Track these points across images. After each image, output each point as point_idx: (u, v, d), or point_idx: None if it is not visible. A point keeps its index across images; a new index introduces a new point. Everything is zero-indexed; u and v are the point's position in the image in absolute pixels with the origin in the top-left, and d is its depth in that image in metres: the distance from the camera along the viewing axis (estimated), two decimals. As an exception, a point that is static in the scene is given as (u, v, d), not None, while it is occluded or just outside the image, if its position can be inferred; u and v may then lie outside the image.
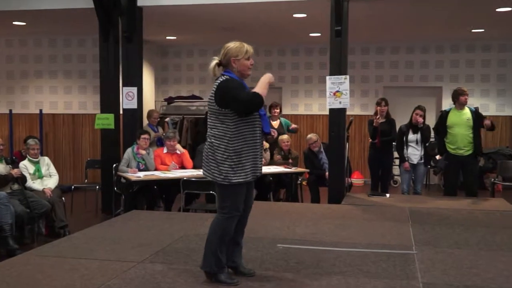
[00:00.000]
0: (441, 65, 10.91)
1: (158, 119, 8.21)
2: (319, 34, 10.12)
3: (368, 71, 11.21)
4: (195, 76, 11.99)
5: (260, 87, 3.53)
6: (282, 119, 8.89)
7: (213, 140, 3.51)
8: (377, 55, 11.15)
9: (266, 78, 3.61)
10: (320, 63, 11.30)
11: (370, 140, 7.84)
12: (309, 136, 8.13)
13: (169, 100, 11.75)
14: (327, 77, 6.99)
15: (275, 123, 8.67)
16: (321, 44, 11.07)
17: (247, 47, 3.62)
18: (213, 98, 3.52)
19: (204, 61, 11.87)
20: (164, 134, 8.03)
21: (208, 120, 3.59)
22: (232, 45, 3.61)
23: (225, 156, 3.47)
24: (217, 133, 3.50)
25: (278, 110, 8.75)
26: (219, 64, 3.61)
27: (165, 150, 7.44)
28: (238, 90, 3.45)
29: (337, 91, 6.94)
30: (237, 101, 3.41)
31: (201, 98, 11.40)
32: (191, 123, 10.85)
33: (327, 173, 7.50)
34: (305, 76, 11.47)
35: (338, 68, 6.99)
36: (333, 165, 7.10)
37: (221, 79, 3.53)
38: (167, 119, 10.89)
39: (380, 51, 11.16)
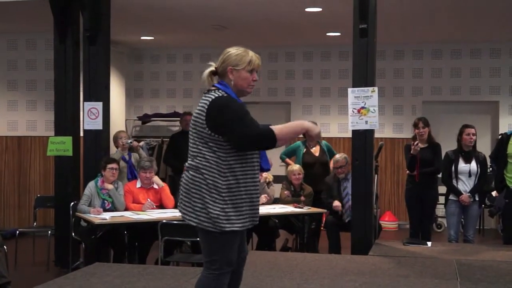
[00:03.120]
0: (498, 73, 10.99)
1: (130, 143, 8.26)
2: (338, 34, 10.21)
3: (403, 81, 11.28)
4: (178, 87, 12.07)
5: (286, 128, 3.50)
6: (323, 142, 8.97)
7: (199, 173, 3.53)
8: (415, 60, 11.24)
9: (304, 125, 3.58)
10: (340, 71, 11.40)
11: (407, 171, 7.89)
12: (336, 157, 8.18)
13: (144, 119, 11.81)
14: (350, 90, 7.00)
15: (314, 150, 8.74)
16: (341, 46, 11.13)
17: (252, 56, 3.65)
18: (202, 117, 3.53)
19: (189, 68, 11.97)
20: (137, 163, 8.03)
21: (191, 145, 3.62)
22: (233, 51, 3.66)
23: (215, 196, 3.49)
24: (204, 164, 3.52)
25: None
26: (214, 73, 3.66)
27: (138, 184, 7.45)
28: (243, 116, 3.46)
29: (363, 108, 6.94)
30: (241, 132, 3.43)
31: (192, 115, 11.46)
32: (173, 149, 10.85)
33: (348, 203, 7.50)
34: (320, 88, 11.55)
35: (363, 78, 7.01)
36: (357, 204, 7.07)
37: (216, 95, 3.55)
38: (141, 143, 10.76)
39: (418, 55, 11.25)
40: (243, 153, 3.53)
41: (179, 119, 9.90)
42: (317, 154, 8.69)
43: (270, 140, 3.43)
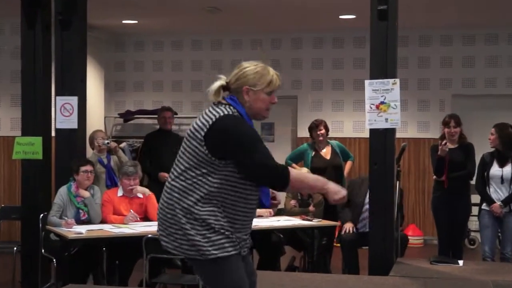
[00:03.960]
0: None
1: (107, 144, 8.29)
2: (353, 16, 10.23)
3: (429, 72, 11.31)
4: (165, 79, 12.10)
5: (305, 179, 3.63)
6: (334, 142, 8.98)
7: (175, 195, 3.60)
8: (443, 46, 11.25)
9: (327, 186, 3.62)
10: (355, 60, 11.41)
11: (434, 176, 7.90)
12: None
13: (127, 116, 11.81)
14: (367, 82, 7.00)
15: (325, 152, 8.77)
16: (356, 31, 11.08)
17: (273, 75, 3.71)
18: (201, 132, 3.56)
19: (179, 57, 12.00)
20: (119, 168, 8.08)
21: (178, 160, 3.67)
22: (251, 67, 3.71)
23: (192, 221, 3.56)
24: (186, 186, 3.58)
25: (323, 131, 8.78)
26: (225, 88, 3.71)
27: (120, 193, 7.45)
28: (257, 141, 3.53)
29: (382, 103, 6.94)
30: (258, 159, 3.48)
31: (175, 113, 11.40)
32: (160, 151, 10.80)
33: (365, 208, 7.56)
34: (332, 80, 11.57)
35: (383, 68, 6.99)
36: (376, 215, 7.06)
37: (225, 111, 3.59)
38: (123, 145, 10.93)
39: (447, 41, 11.25)
40: (242, 185, 3.58)
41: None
42: (328, 156, 8.70)
43: (282, 181, 3.50)
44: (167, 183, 3.69)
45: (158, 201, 7.38)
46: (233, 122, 3.55)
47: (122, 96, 12.20)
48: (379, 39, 6.99)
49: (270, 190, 3.76)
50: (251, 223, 3.74)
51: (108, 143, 8.33)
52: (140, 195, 7.47)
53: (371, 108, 6.94)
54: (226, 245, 3.57)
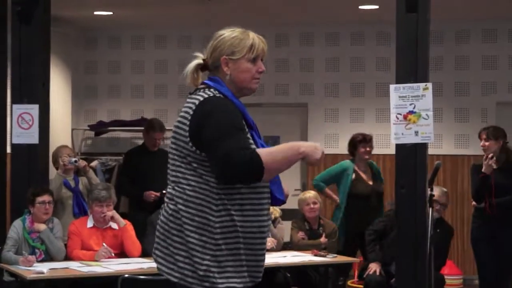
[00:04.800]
0: None
1: (75, 163, 8.24)
2: (375, 7, 10.33)
3: (469, 75, 11.33)
4: (147, 83, 12.13)
5: (279, 156, 3.50)
6: (373, 162, 9.11)
7: (181, 207, 3.58)
8: (486, 43, 11.26)
9: (300, 149, 3.56)
10: (378, 60, 11.47)
11: (474, 203, 7.94)
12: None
13: (99, 128, 11.80)
14: (392, 86, 7.03)
15: (366, 174, 8.81)
16: (379, 24, 11.15)
17: (254, 38, 3.71)
18: (184, 127, 3.59)
19: (163, 55, 12.06)
20: (89, 191, 8.05)
21: (170, 166, 3.68)
22: (227, 33, 3.72)
23: (205, 238, 3.53)
24: (189, 193, 3.56)
25: (368, 148, 8.80)
26: (203, 67, 3.75)
27: (90, 223, 7.48)
28: (231, 130, 3.47)
29: (411, 112, 6.94)
30: (217, 152, 3.42)
31: (163, 132, 11.28)
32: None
33: None
34: (350, 84, 11.62)
35: (411, 69, 7.03)
36: (404, 248, 7.06)
37: (205, 95, 3.62)
38: (94, 164, 10.93)
39: (490, 37, 11.24)
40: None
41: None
42: (370, 181, 8.76)
43: (257, 168, 3.41)
44: (166, 199, 3.66)
45: (140, 232, 7.71)
46: (214, 104, 3.56)
47: (93, 104, 12.22)
48: (407, 35, 7.03)
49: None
50: (265, 241, 3.71)
51: (76, 161, 8.29)
52: (115, 226, 7.48)
53: (397, 118, 6.96)
54: (234, 274, 3.56)
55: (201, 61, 3.73)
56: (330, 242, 8.22)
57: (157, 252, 3.66)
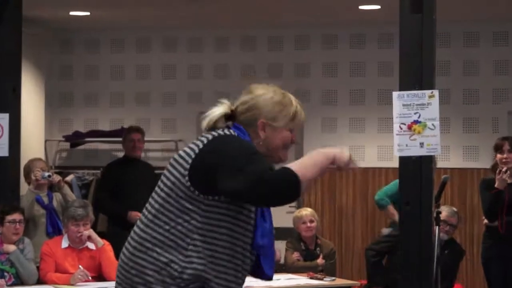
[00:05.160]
0: None
1: (48, 177, 8.24)
2: (377, 7, 10.33)
3: (478, 81, 11.30)
4: (127, 90, 12.15)
5: (310, 162, 3.49)
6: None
7: (147, 245, 3.59)
8: (496, 47, 11.26)
9: (329, 154, 3.55)
10: (380, 65, 11.48)
11: (485, 221, 8.04)
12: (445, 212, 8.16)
13: (75, 139, 11.81)
14: (395, 94, 7.03)
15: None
16: (381, 26, 11.15)
17: (297, 106, 3.74)
18: (187, 160, 3.56)
19: (146, 60, 12.03)
20: (64, 209, 8.07)
21: (155, 193, 3.66)
22: (267, 95, 3.72)
23: (167, 281, 3.55)
24: (166, 228, 3.56)
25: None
26: (228, 117, 3.71)
27: (65, 243, 7.50)
28: (253, 152, 3.48)
29: (416, 122, 6.93)
30: (248, 178, 3.37)
31: (142, 133, 11.26)
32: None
33: None
34: (350, 90, 11.63)
35: (416, 75, 7.03)
36: (408, 270, 7.05)
37: (220, 133, 3.62)
38: (69, 178, 10.97)
39: (501, 40, 11.25)
40: (229, 216, 3.55)
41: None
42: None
43: (293, 185, 3.37)
44: (135, 228, 3.67)
45: (119, 253, 7.50)
46: (226, 141, 3.56)
47: (69, 113, 12.23)
48: (412, 37, 7.06)
49: (276, 251, 3.75)
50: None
51: (49, 176, 8.30)
52: (92, 246, 7.50)
53: (401, 129, 6.96)
54: None
55: (228, 110, 3.68)
56: (328, 264, 8.30)
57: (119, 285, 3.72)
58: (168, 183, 3.58)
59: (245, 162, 3.39)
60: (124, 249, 3.69)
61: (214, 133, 3.60)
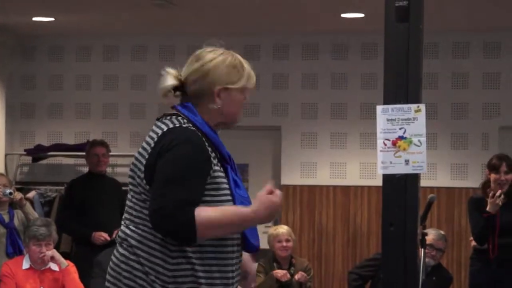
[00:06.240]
0: None
1: (9, 194, 8.30)
2: (361, 15, 10.42)
3: (467, 94, 11.29)
4: (94, 101, 12.15)
5: (223, 222, 3.55)
6: None
7: (132, 251, 3.63)
8: (487, 58, 11.26)
9: (258, 213, 3.58)
10: (364, 76, 11.47)
11: (474, 243, 8.23)
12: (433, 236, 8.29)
13: (38, 153, 11.78)
14: (379, 108, 6.79)
15: None
16: (365, 35, 11.25)
17: (248, 67, 3.81)
18: (142, 159, 3.64)
19: (114, 68, 12.10)
20: (25, 227, 8.13)
21: (128, 202, 3.73)
22: (219, 57, 3.79)
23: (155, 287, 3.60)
24: (142, 235, 3.62)
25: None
26: (176, 88, 3.75)
27: (26, 264, 7.55)
28: (184, 172, 3.51)
29: (401, 138, 6.71)
30: (163, 196, 3.46)
31: (106, 147, 11.10)
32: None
33: None
34: (331, 104, 11.63)
35: (402, 88, 6.79)
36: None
37: (168, 125, 3.65)
38: (31, 195, 11.03)
39: (491, 51, 11.26)
40: None
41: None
42: None
43: (185, 238, 3.49)
44: (120, 232, 3.71)
45: (84, 274, 7.73)
46: (175, 139, 3.58)
47: (31, 125, 12.24)
48: (397, 48, 6.81)
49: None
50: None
51: (10, 193, 8.41)
52: (55, 267, 7.54)
53: (385, 145, 6.68)
54: None
55: (177, 82, 3.72)
56: (307, 284, 8.54)
57: None
58: (132, 185, 3.67)
59: (172, 184, 3.48)
60: (113, 257, 3.71)
61: (163, 126, 3.64)
